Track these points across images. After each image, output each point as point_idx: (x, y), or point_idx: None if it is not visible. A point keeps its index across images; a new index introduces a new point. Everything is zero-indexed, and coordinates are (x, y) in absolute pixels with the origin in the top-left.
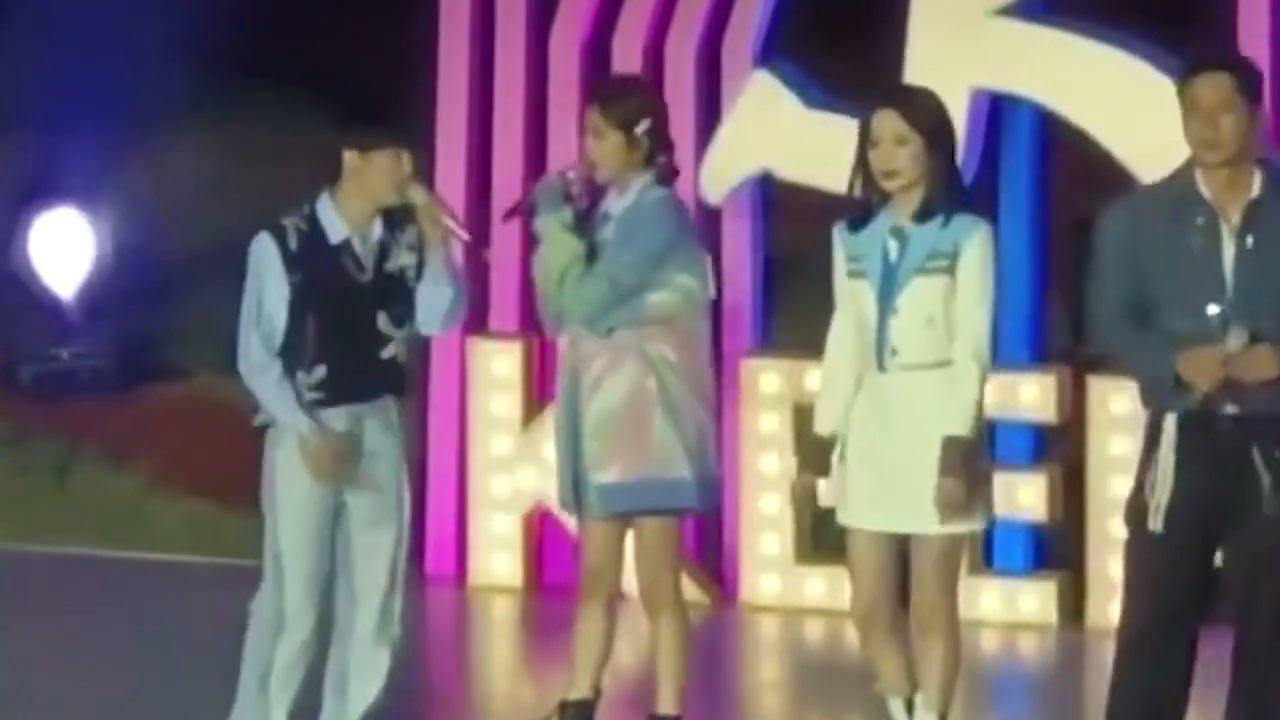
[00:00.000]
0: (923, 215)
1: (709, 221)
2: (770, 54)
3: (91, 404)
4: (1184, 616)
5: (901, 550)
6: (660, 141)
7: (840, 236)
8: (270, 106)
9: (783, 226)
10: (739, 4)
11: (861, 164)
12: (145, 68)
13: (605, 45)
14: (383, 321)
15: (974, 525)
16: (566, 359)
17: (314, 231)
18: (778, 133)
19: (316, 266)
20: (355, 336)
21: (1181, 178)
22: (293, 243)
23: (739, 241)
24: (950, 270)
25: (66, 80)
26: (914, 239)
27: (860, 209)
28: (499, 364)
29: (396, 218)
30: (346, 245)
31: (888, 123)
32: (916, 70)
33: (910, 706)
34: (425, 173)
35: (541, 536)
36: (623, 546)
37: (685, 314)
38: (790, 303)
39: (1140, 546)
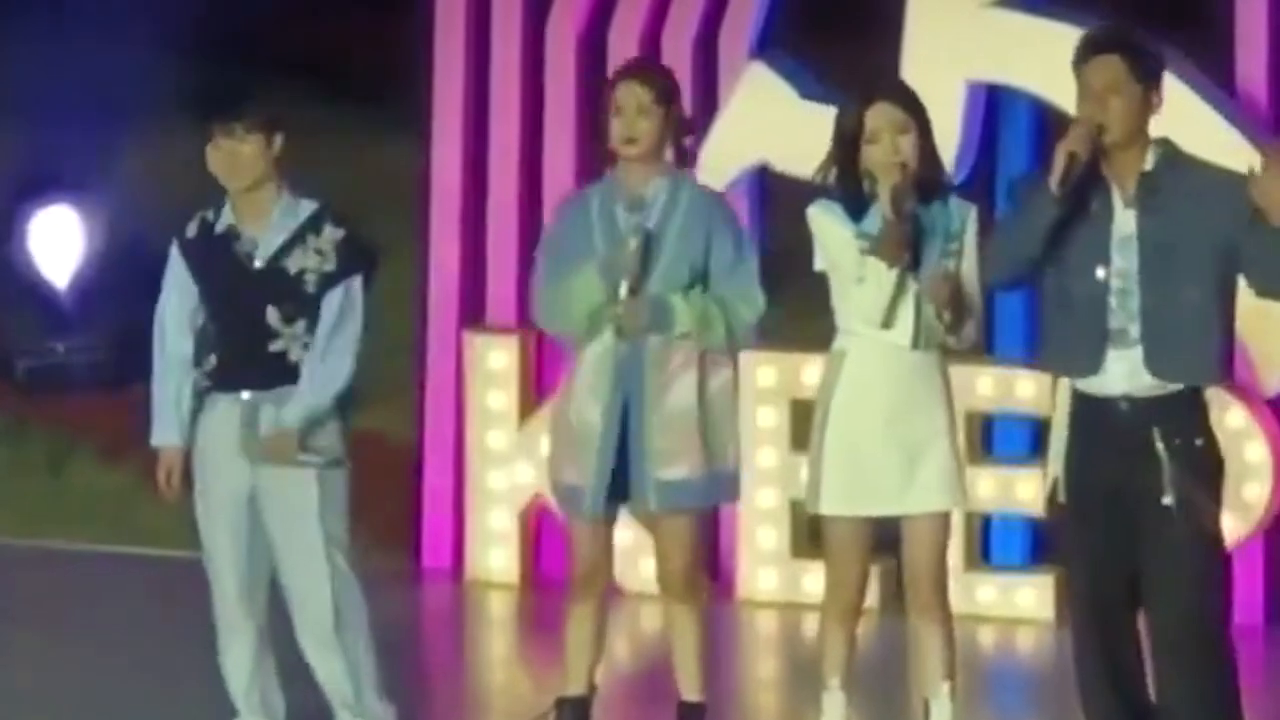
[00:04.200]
0: (928, 198)
1: None
2: (766, 46)
3: (87, 398)
4: (1120, 591)
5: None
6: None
7: (831, 213)
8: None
9: (779, 218)
10: None
11: (847, 159)
12: (141, 60)
13: (601, 37)
14: (272, 316)
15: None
16: (613, 358)
17: (214, 221)
18: (774, 124)
19: (204, 255)
20: (241, 327)
21: None
22: (191, 230)
23: None
24: (959, 251)
25: (63, 73)
26: (926, 222)
27: (848, 199)
28: (495, 358)
29: (318, 215)
30: (231, 234)
31: (888, 115)
32: (913, 62)
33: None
34: (421, 164)
35: (538, 531)
36: (613, 544)
37: None
38: (787, 296)
39: (1066, 529)
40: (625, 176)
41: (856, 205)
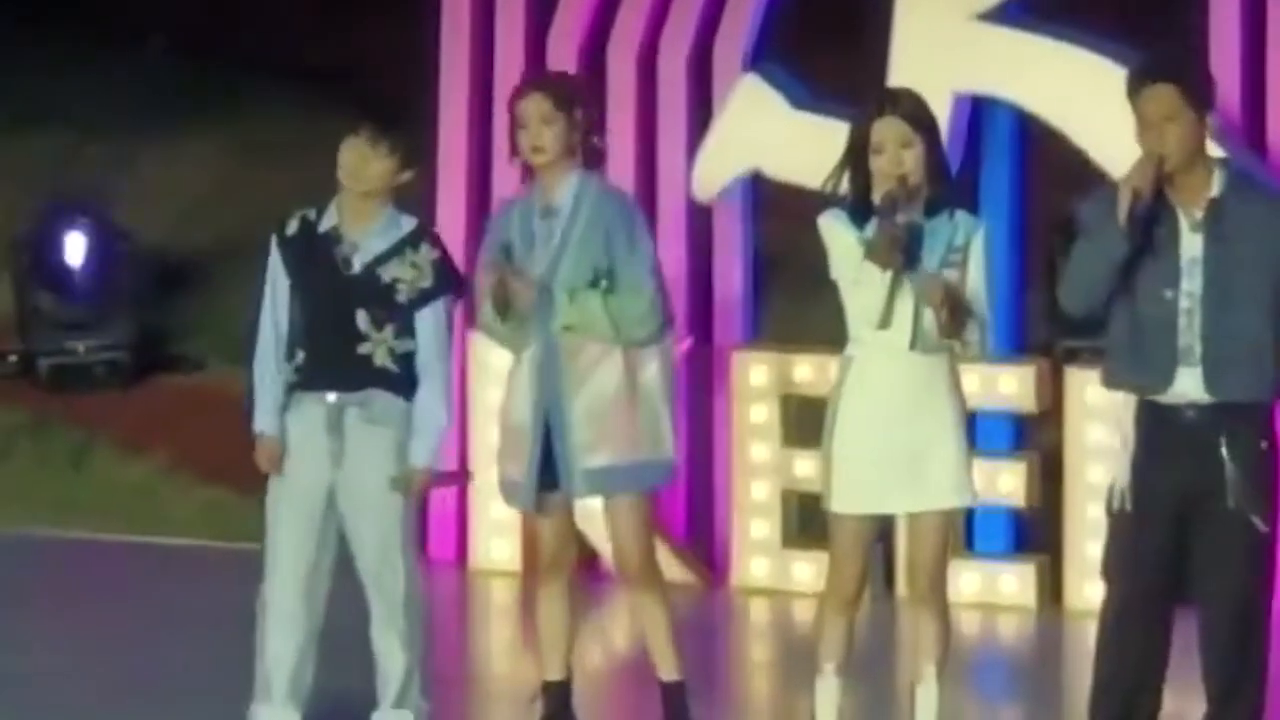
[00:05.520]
0: (932, 210)
1: (701, 220)
2: (759, 58)
3: (107, 395)
4: (1160, 596)
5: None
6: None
7: (839, 221)
8: (279, 108)
9: (771, 224)
10: (729, 10)
11: (856, 169)
12: (160, 70)
13: (600, 50)
14: (362, 319)
15: (971, 500)
16: (536, 359)
17: (316, 220)
18: (766, 133)
19: (303, 253)
20: (331, 327)
21: None
22: (291, 228)
23: (729, 238)
24: (961, 263)
25: (85, 83)
26: (929, 232)
27: (856, 206)
28: (498, 357)
29: (418, 233)
30: (333, 235)
31: (894, 128)
32: (900, 74)
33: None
34: (427, 174)
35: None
36: (573, 529)
37: None
38: (778, 298)
39: (1117, 530)
40: (540, 185)
41: (862, 213)
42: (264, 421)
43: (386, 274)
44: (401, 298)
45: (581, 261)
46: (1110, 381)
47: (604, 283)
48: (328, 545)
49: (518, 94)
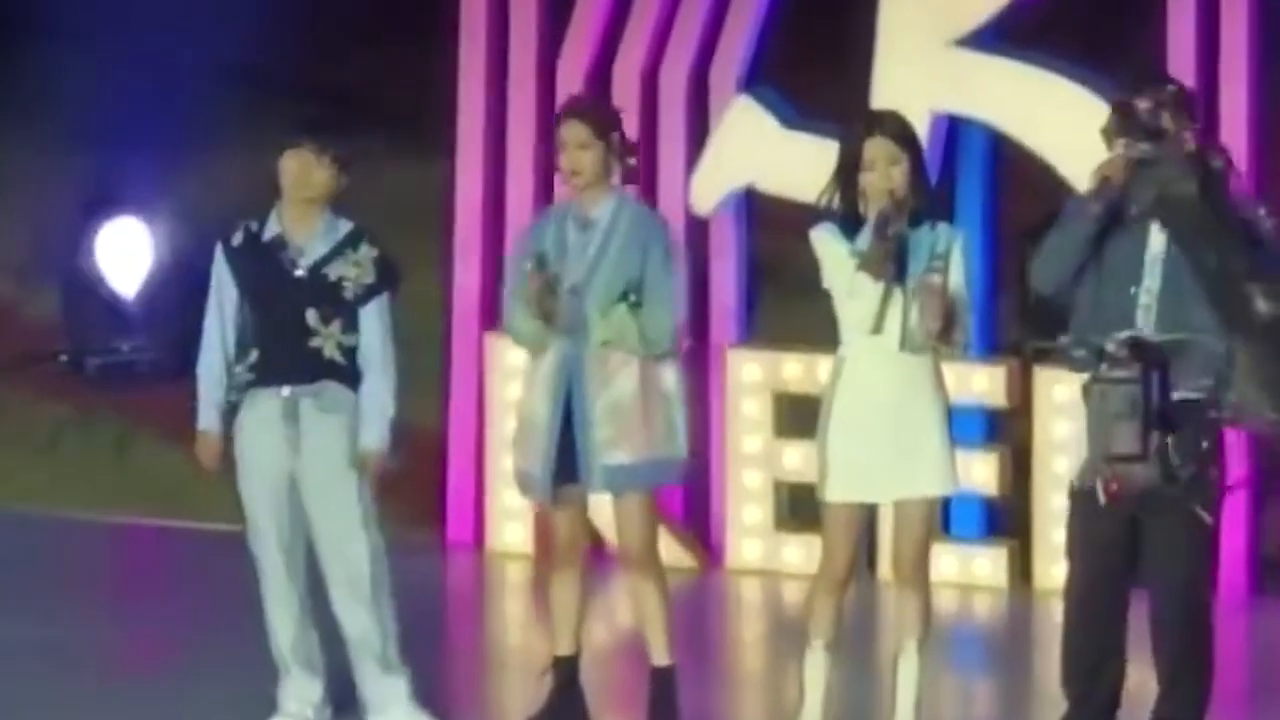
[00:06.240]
0: (915, 222)
1: (698, 230)
2: (753, 80)
3: (148, 391)
4: (1117, 573)
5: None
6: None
7: (830, 234)
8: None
9: (763, 234)
10: (725, 36)
11: (847, 184)
12: (197, 91)
13: (606, 73)
14: (311, 316)
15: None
16: (560, 360)
17: (260, 230)
18: (759, 151)
19: (250, 260)
20: (283, 325)
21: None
22: (236, 239)
23: (725, 247)
24: (943, 269)
25: (127, 102)
26: (913, 242)
27: (846, 219)
28: (514, 355)
29: (356, 234)
30: (278, 242)
31: (884, 147)
32: (882, 96)
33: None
34: (446, 187)
35: None
36: (586, 518)
37: None
38: (770, 301)
39: (1076, 509)
40: (578, 200)
41: (853, 225)
42: (207, 420)
43: (333, 273)
44: (348, 294)
45: (616, 274)
46: (1072, 364)
47: (631, 296)
48: (299, 525)
49: (558, 120)
